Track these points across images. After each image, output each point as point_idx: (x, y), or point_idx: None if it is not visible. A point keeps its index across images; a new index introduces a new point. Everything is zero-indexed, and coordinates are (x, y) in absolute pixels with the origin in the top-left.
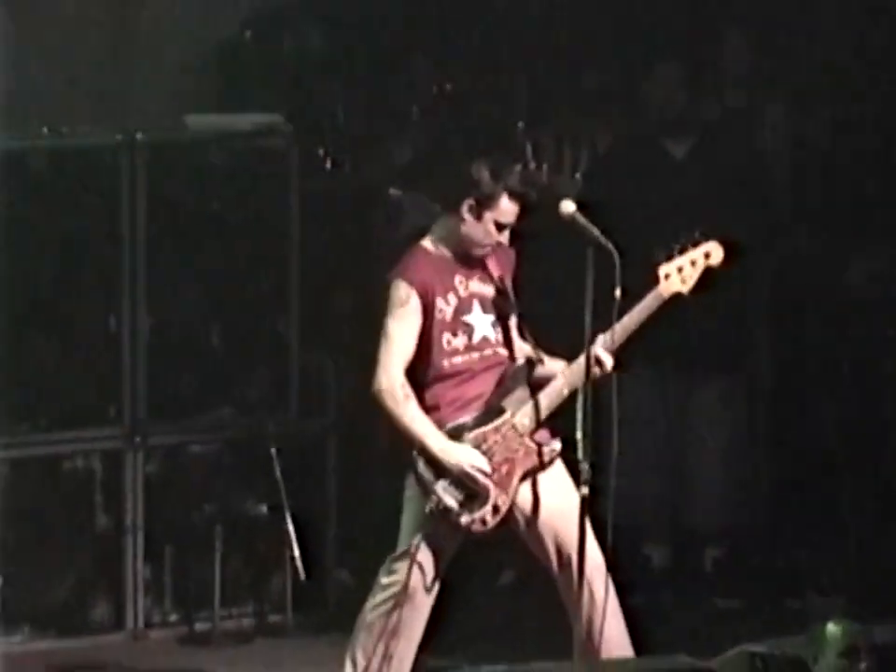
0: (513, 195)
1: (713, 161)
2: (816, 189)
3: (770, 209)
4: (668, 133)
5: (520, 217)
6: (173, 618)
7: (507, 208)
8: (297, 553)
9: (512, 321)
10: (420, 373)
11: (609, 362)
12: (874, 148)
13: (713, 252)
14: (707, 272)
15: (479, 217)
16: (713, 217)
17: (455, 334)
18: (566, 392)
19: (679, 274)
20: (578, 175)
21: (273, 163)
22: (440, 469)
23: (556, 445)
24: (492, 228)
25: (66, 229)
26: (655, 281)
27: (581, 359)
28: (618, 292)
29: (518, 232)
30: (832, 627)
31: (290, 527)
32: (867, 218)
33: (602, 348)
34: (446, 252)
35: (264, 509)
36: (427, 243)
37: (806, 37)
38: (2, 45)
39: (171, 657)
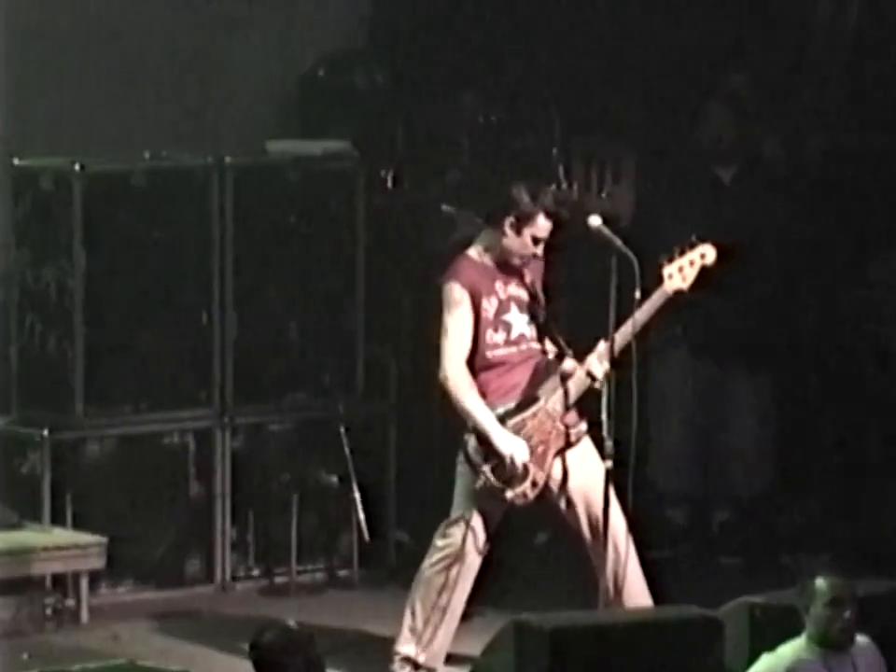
0: (548, 214)
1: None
2: (847, 199)
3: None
4: (716, 161)
5: (552, 231)
6: (255, 572)
7: (542, 225)
8: (362, 516)
9: (542, 320)
10: (471, 365)
11: (599, 373)
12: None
13: (707, 253)
14: (703, 270)
15: (518, 232)
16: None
17: (496, 330)
18: (589, 381)
19: (679, 274)
20: (603, 194)
21: (342, 183)
22: (488, 449)
23: (583, 426)
24: (529, 241)
25: (165, 238)
26: (660, 281)
27: (600, 350)
28: (637, 294)
29: (550, 245)
30: (820, 581)
31: (356, 495)
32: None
33: (598, 356)
34: (488, 261)
35: (334, 479)
36: (472, 252)
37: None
38: (111, 79)
39: (253, 606)
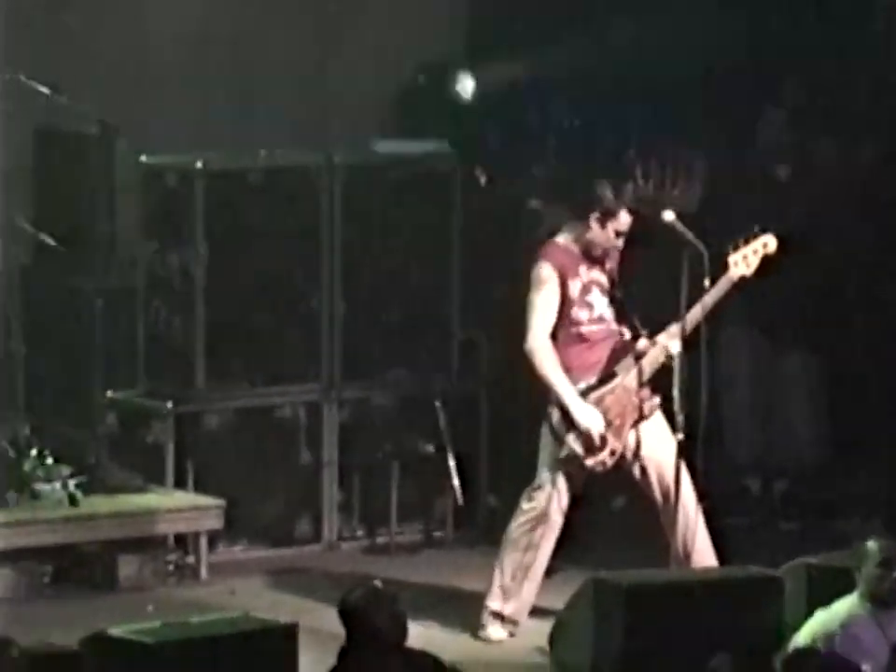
0: (629, 210)
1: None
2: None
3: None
4: (774, 160)
5: (632, 225)
6: (359, 533)
7: (624, 220)
8: (456, 483)
9: (620, 304)
10: (556, 340)
11: (675, 349)
12: None
13: (769, 242)
14: (765, 258)
15: (603, 226)
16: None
17: (581, 309)
18: (661, 359)
19: (744, 261)
20: (676, 191)
21: (440, 180)
22: (570, 422)
23: (656, 401)
24: (612, 235)
25: (278, 230)
26: (725, 269)
27: (672, 331)
28: (707, 282)
29: (630, 238)
30: (871, 544)
31: (451, 463)
32: None
33: (669, 336)
34: (574, 248)
35: (431, 448)
36: (560, 239)
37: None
38: (231, 83)
39: (357, 564)
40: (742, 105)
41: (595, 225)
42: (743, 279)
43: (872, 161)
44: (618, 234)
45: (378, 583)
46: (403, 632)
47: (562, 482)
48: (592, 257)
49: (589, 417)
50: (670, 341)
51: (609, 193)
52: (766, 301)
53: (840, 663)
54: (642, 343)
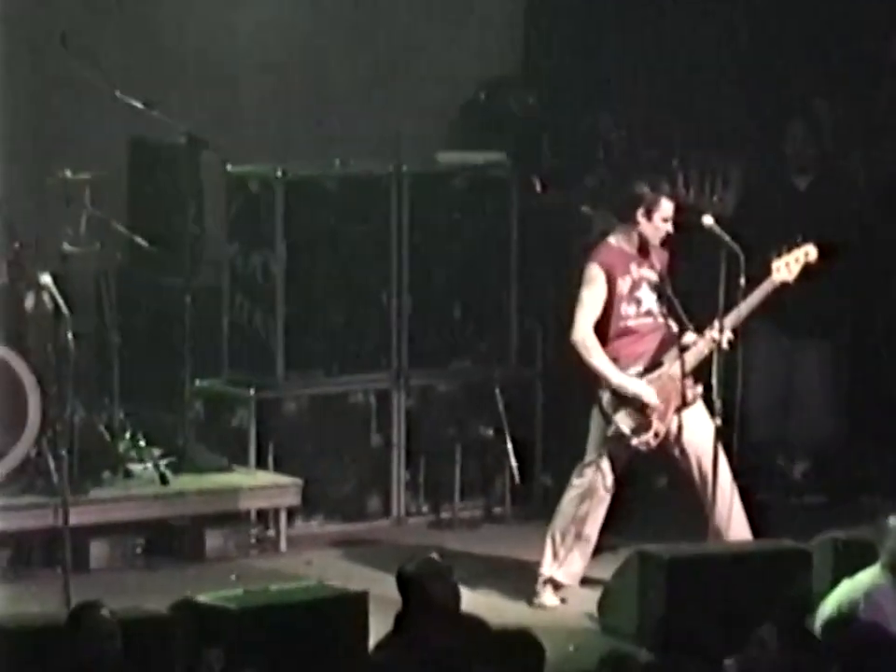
0: (669, 196)
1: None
2: None
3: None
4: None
5: (675, 227)
6: (424, 509)
7: (666, 206)
8: (513, 463)
9: (668, 300)
10: (606, 332)
11: (725, 342)
12: None
13: (811, 252)
14: (807, 266)
15: (650, 219)
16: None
17: (629, 304)
18: (705, 351)
19: (786, 268)
20: (715, 198)
21: (499, 188)
22: (618, 404)
23: (698, 389)
24: (660, 223)
25: (352, 232)
26: (769, 273)
27: (716, 326)
28: (742, 281)
29: (672, 245)
30: (893, 519)
31: (509, 445)
32: None
33: (729, 323)
34: (627, 247)
35: (490, 432)
36: (612, 239)
37: None
38: (308, 97)
39: (422, 537)
40: (771, 119)
41: (642, 220)
42: (785, 284)
43: (891, 173)
44: (665, 221)
45: (434, 555)
46: (456, 599)
47: (609, 460)
48: (642, 254)
49: (641, 387)
50: (720, 335)
51: (647, 188)
52: (790, 296)
53: (876, 628)
54: (688, 336)
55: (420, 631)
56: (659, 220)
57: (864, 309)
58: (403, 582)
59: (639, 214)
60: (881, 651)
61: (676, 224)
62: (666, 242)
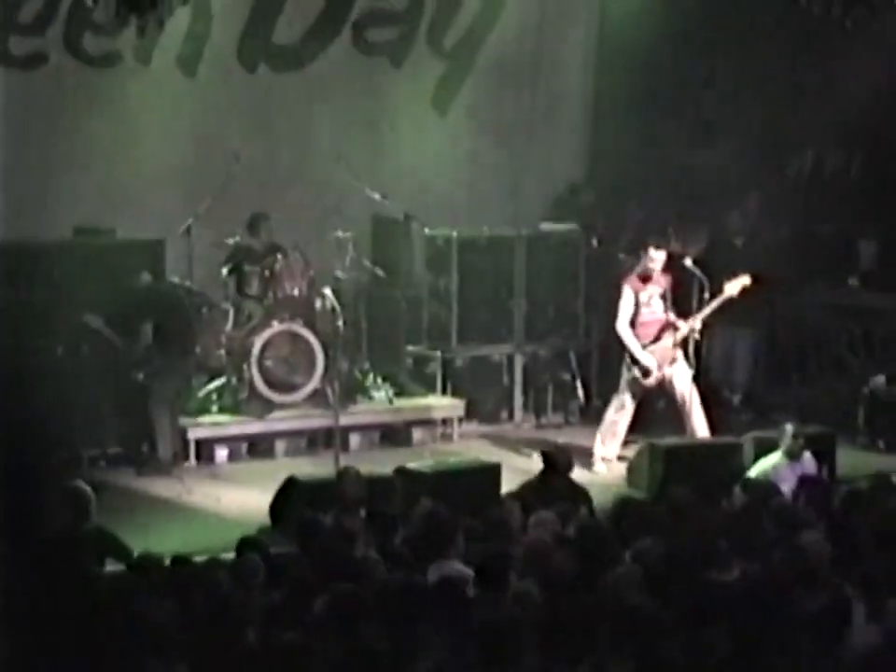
0: (654, 247)
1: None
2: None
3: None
4: (735, 236)
5: (668, 263)
6: (532, 418)
7: (651, 254)
8: (581, 393)
9: (667, 306)
10: (633, 324)
11: (699, 325)
12: None
13: (746, 280)
14: (743, 288)
15: (650, 259)
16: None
17: (646, 307)
18: (685, 333)
19: (732, 288)
20: (691, 248)
21: (572, 246)
22: (635, 362)
23: (680, 354)
24: (651, 261)
25: (492, 270)
26: (722, 291)
27: (691, 321)
28: (707, 296)
29: (671, 273)
30: (787, 426)
31: (578, 383)
32: None
33: (699, 318)
34: (641, 275)
35: (568, 376)
36: (634, 272)
37: None
38: (474, 190)
39: (531, 434)
40: (720, 207)
41: (645, 260)
42: (731, 298)
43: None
44: (653, 260)
45: (560, 443)
46: (570, 466)
47: (630, 392)
48: (652, 279)
49: (647, 359)
50: (694, 325)
51: (650, 243)
52: (733, 305)
53: (775, 487)
54: (681, 326)
55: (549, 481)
56: (650, 260)
57: (773, 311)
58: (545, 454)
59: (643, 258)
60: (777, 498)
61: (669, 261)
62: (666, 271)
